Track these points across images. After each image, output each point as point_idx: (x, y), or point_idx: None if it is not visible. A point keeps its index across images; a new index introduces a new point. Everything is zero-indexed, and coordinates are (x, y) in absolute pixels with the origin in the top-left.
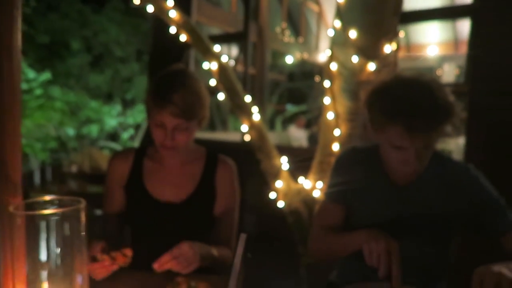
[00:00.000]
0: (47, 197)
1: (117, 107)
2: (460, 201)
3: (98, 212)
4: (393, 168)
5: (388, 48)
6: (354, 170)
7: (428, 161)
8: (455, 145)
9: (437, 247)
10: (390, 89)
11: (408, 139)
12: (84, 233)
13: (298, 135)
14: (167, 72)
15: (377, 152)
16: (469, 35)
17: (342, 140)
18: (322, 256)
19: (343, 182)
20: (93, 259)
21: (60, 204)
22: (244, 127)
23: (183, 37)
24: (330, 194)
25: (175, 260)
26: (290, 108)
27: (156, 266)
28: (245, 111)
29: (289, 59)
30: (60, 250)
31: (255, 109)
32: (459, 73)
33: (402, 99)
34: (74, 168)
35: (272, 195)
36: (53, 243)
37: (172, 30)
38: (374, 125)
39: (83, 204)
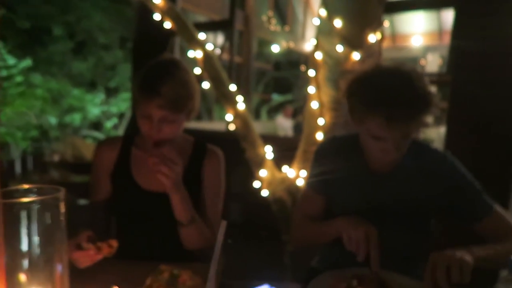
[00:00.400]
0: (26, 186)
1: (100, 96)
2: (438, 188)
3: (82, 201)
4: (373, 157)
5: (373, 38)
6: (334, 160)
7: (406, 149)
8: (436, 134)
9: (416, 233)
10: (370, 79)
11: (388, 130)
12: (63, 222)
13: (285, 125)
14: (156, 63)
15: (356, 141)
16: (453, 25)
17: (326, 129)
18: (304, 243)
19: (323, 171)
20: (78, 247)
21: (39, 193)
22: (229, 116)
23: (167, 24)
24: (311, 183)
25: (163, 162)
26: (276, 98)
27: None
28: (230, 100)
29: (275, 48)
30: (39, 239)
31: (240, 98)
32: (442, 63)
33: (381, 89)
34: (56, 157)
35: (257, 184)
36: (31, 232)
37: (157, 16)
38: (354, 115)
39: (62, 192)
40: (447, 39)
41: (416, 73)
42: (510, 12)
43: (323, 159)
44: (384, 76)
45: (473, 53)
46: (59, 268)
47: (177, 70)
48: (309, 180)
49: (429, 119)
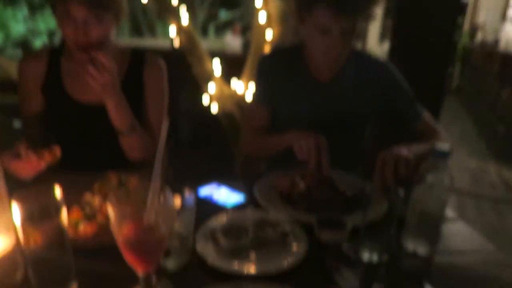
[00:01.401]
0: None
1: (23, 10)
2: (376, 93)
3: (17, 124)
4: (316, 61)
5: None
6: (276, 71)
7: (349, 49)
8: (380, 50)
9: (354, 136)
10: None
11: (334, 18)
12: None
13: (234, 43)
14: None
15: (299, 51)
16: None
17: (274, 42)
18: (255, 155)
19: (266, 83)
20: (17, 156)
21: None
22: (172, 29)
23: None
24: (255, 96)
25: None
26: (224, 15)
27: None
28: (173, 13)
29: None
30: None
31: (183, 11)
32: None
33: None
34: None
35: (206, 99)
36: None
37: None
38: (301, 8)
39: None
40: None
41: None
42: None
43: (266, 70)
44: None
45: None
46: None
47: None
48: (253, 92)
49: (376, 11)
